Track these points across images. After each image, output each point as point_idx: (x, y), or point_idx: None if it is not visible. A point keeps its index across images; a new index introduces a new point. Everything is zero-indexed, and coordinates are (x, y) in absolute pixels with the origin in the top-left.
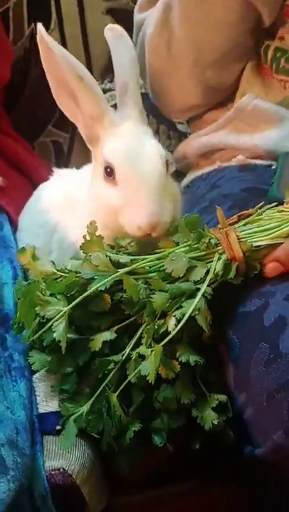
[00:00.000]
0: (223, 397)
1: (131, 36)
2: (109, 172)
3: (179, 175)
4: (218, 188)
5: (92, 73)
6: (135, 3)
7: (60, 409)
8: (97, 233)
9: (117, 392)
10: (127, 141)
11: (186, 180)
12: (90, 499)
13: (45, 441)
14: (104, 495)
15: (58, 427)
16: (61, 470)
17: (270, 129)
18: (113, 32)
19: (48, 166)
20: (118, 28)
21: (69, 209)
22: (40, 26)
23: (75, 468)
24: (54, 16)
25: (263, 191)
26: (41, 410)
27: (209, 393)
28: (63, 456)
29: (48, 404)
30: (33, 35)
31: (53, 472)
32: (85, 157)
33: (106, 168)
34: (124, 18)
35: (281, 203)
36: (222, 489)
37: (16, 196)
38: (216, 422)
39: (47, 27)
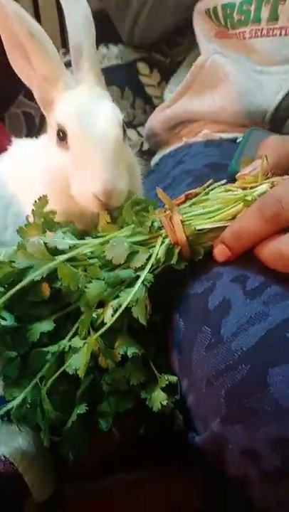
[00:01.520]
0: (173, 378)
1: None
2: (61, 136)
3: (151, 154)
4: (183, 164)
5: (66, 43)
6: None
7: (3, 394)
8: (49, 208)
9: (47, 386)
10: (80, 103)
11: (155, 159)
12: (33, 487)
13: None
14: (50, 482)
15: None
16: (2, 458)
17: (231, 85)
18: None
19: (18, 137)
20: None
21: (26, 182)
22: None
23: (17, 456)
24: None
25: (225, 166)
26: None
27: (160, 374)
28: (5, 444)
29: None
30: None
31: None
32: None
33: (58, 132)
34: None
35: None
36: (179, 476)
37: None
38: (164, 403)
39: None
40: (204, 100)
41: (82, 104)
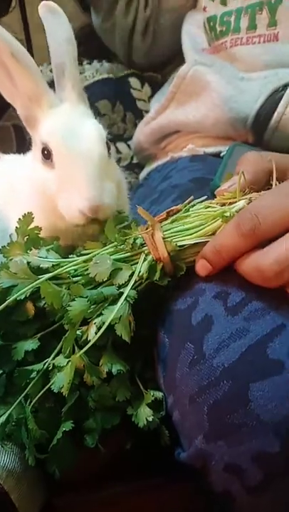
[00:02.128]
0: (158, 394)
1: None
2: (46, 154)
3: (141, 167)
4: (169, 179)
5: None
6: None
7: None
8: (35, 224)
9: (32, 404)
10: (63, 122)
11: (144, 173)
12: (21, 504)
13: None
14: (39, 497)
15: None
16: None
17: (213, 92)
18: (47, 8)
19: (9, 150)
20: (52, 4)
21: (12, 196)
22: None
23: (3, 474)
24: None
25: (210, 181)
26: None
27: (146, 390)
28: None
29: None
30: None
31: None
32: None
33: (43, 150)
34: None
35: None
36: (167, 488)
37: None
38: (150, 419)
39: (8, 5)
40: (188, 110)
41: (65, 123)
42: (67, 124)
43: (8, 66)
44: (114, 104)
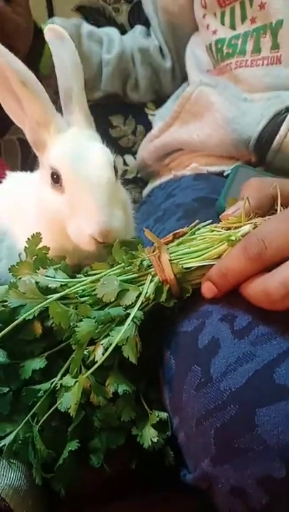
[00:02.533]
0: (163, 415)
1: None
2: (55, 179)
3: (145, 181)
4: (173, 198)
5: None
6: (105, 1)
7: None
8: (43, 244)
9: (40, 424)
10: (72, 147)
11: (146, 190)
12: None
13: None
14: None
15: None
16: None
17: (216, 113)
18: (53, 33)
19: (14, 164)
20: (58, 28)
21: (19, 215)
22: None
23: (9, 492)
24: None
25: (213, 201)
26: None
27: (151, 410)
28: None
29: None
30: None
31: None
32: None
33: (52, 174)
34: (93, 16)
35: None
36: (172, 504)
37: None
38: (155, 440)
39: None
40: (192, 129)
41: (74, 148)
42: (76, 149)
43: (18, 92)
44: (127, 117)
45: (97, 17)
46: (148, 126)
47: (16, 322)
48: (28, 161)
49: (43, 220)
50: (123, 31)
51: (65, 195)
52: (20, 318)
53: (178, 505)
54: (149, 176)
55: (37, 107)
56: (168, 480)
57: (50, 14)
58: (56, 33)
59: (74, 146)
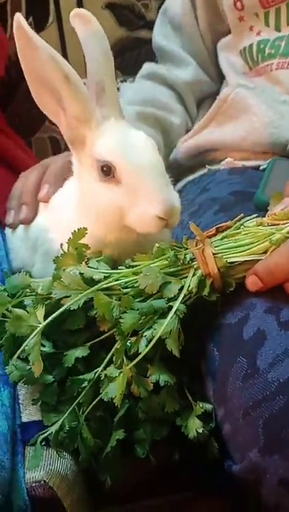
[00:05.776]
0: (208, 406)
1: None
2: (106, 171)
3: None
4: (208, 192)
5: None
6: None
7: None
8: (94, 239)
9: (86, 413)
10: (119, 137)
11: (179, 186)
12: None
13: (27, 451)
14: (87, 507)
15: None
16: (42, 482)
17: (253, 116)
18: (79, 17)
19: None
20: (83, 12)
21: (53, 221)
22: (18, 17)
23: (57, 481)
24: (52, 10)
25: (250, 195)
26: (24, 419)
27: (195, 402)
28: (45, 468)
29: (31, 412)
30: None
31: (33, 484)
32: None
33: (102, 167)
34: (123, 13)
35: (265, 210)
36: (213, 502)
37: (5, 194)
38: (200, 431)
39: (45, 21)
40: (226, 131)
41: (121, 138)
42: (124, 139)
43: (60, 88)
44: None
45: (126, 14)
46: None
47: (61, 310)
48: None
49: (99, 215)
50: (152, 28)
51: (121, 186)
52: (64, 307)
53: (202, 505)
54: (180, 174)
55: (78, 103)
56: (193, 480)
57: None
58: (81, 17)
59: (121, 136)
